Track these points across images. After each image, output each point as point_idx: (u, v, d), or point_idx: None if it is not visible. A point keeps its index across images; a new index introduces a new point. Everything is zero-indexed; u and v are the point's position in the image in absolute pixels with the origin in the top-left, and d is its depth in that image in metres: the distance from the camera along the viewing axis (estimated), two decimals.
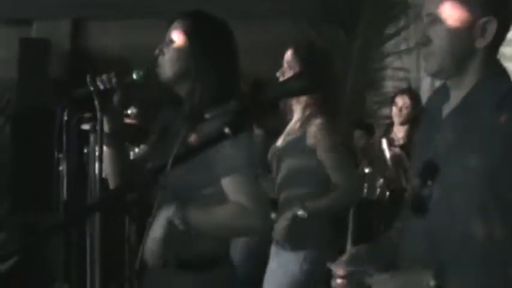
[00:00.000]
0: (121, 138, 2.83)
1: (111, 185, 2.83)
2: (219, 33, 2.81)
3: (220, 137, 1.78)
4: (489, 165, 2.03)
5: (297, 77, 1.84)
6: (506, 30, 2.18)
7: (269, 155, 4.05)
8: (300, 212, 3.68)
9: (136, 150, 4.41)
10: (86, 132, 3.07)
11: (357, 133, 6.72)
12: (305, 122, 3.81)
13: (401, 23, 8.19)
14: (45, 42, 8.53)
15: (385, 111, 7.27)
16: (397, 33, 8.21)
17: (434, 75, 2.27)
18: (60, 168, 3.40)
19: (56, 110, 2.87)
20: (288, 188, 3.90)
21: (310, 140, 3.75)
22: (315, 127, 3.74)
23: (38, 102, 7.93)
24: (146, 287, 2.76)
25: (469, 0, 2.12)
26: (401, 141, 5.94)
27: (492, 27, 2.11)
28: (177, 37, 2.76)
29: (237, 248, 4.48)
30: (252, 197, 2.59)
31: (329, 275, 2.35)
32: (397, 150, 5.69)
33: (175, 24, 2.80)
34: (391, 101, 6.27)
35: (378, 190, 5.56)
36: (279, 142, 4.00)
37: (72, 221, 2.22)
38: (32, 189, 7.42)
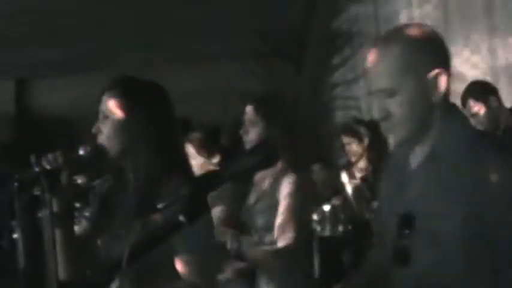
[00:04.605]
0: (70, 219, 2.72)
1: (61, 267, 2.71)
2: (153, 100, 2.68)
3: (177, 225, 1.71)
4: (466, 211, 2.03)
5: (251, 153, 1.80)
6: (450, 77, 2.19)
7: (242, 214, 3.98)
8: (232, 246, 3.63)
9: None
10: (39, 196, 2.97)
11: (316, 167, 6.66)
12: (276, 177, 3.74)
13: (347, 52, 8.24)
14: None
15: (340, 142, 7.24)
16: (342, 63, 8.25)
17: (405, 143, 2.23)
18: (15, 235, 3.30)
19: (3, 176, 2.76)
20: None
21: (279, 195, 3.67)
22: (284, 182, 3.65)
23: None
24: None
25: (416, 62, 2.14)
26: (362, 173, 5.89)
27: (443, 78, 2.14)
28: (109, 111, 2.65)
29: None
30: (203, 279, 2.51)
31: None
32: (357, 182, 5.64)
33: (106, 95, 2.66)
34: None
35: (341, 226, 5.48)
36: (251, 199, 3.92)
37: None
38: None
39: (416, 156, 2.22)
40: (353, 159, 5.87)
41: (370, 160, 5.79)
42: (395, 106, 2.13)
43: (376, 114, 2.21)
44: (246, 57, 7.96)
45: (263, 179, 3.80)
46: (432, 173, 2.15)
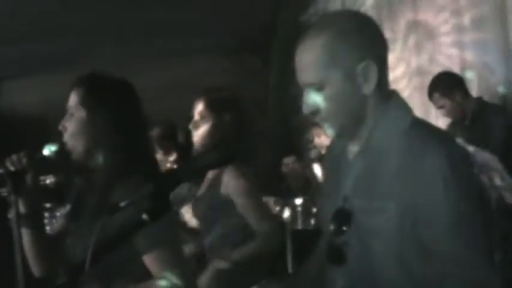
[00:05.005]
0: (39, 219, 2.71)
1: (33, 266, 2.71)
2: (119, 97, 2.65)
3: (139, 224, 1.71)
4: (402, 208, 1.93)
5: (209, 151, 1.81)
6: (386, 67, 2.09)
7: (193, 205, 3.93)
8: (221, 264, 3.50)
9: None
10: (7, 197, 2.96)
11: (288, 159, 6.69)
12: (219, 170, 3.62)
13: None
14: None
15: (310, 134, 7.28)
16: None
17: (339, 137, 2.13)
18: None
19: None
20: (209, 242, 3.71)
21: (224, 190, 3.60)
22: (227, 175, 3.57)
23: None
24: None
25: (343, 54, 2.01)
26: None
27: (374, 69, 2.02)
28: (74, 108, 2.63)
29: None
30: (176, 271, 2.47)
31: None
32: None
33: (72, 93, 2.65)
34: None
35: (313, 219, 5.50)
36: (200, 191, 3.82)
37: None
38: None
39: (353, 149, 2.12)
40: (323, 150, 5.89)
41: None
42: (324, 100, 2.03)
43: (304, 109, 2.09)
44: (215, 53, 7.98)
45: (209, 173, 3.72)
46: (366, 166, 2.06)
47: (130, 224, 1.76)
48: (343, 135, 2.11)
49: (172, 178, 1.77)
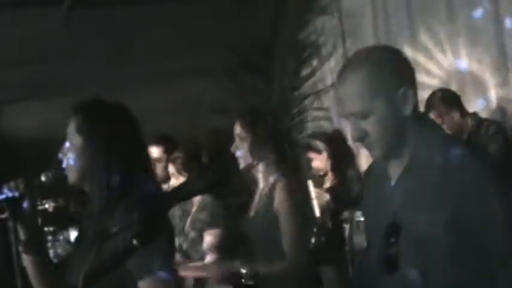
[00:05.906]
0: (39, 245, 2.73)
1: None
2: (114, 124, 2.67)
3: (131, 250, 1.75)
4: (449, 216, 2.14)
5: (196, 179, 1.86)
6: (416, 89, 2.31)
7: (244, 227, 4.06)
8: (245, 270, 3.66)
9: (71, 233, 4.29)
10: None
11: None
12: (271, 185, 3.83)
13: (314, 64, 8.31)
14: None
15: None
16: (311, 74, 8.32)
17: (386, 158, 2.35)
18: None
19: None
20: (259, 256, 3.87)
21: (276, 207, 3.77)
22: (278, 193, 3.76)
23: None
24: None
25: (385, 83, 2.25)
26: (328, 184, 5.97)
27: (411, 93, 2.26)
28: (72, 135, 2.67)
29: None
30: None
31: None
32: (321, 192, 5.74)
33: (71, 120, 2.69)
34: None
35: (313, 238, 5.53)
36: (252, 212, 3.98)
37: None
38: None
39: (396, 169, 2.34)
40: (318, 172, 5.98)
41: (333, 170, 5.90)
42: (370, 126, 2.25)
43: (351, 137, 2.33)
44: (215, 73, 7.99)
45: (260, 190, 3.92)
46: (412, 184, 2.27)
47: (122, 250, 1.77)
48: (390, 155, 2.33)
49: (163, 202, 1.81)
